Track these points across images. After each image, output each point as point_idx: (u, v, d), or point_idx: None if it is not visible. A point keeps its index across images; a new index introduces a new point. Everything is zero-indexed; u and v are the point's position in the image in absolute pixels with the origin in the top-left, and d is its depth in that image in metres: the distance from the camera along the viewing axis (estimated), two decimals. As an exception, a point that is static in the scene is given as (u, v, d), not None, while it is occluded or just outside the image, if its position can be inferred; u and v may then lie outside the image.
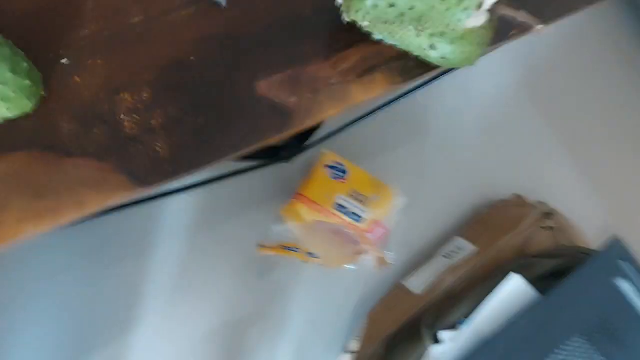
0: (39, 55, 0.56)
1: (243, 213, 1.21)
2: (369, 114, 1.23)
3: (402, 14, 0.53)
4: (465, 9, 0.51)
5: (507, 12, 0.57)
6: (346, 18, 0.56)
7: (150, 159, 0.56)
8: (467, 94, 1.43)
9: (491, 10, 0.55)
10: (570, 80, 1.53)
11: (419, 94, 1.29)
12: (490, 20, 0.55)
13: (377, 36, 0.59)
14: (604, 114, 1.55)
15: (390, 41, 0.59)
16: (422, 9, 0.51)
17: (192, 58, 0.59)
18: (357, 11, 0.54)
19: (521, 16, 0.57)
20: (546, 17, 0.67)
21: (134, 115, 0.57)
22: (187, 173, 0.57)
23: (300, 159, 1.21)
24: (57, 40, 0.57)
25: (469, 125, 1.42)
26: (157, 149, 0.57)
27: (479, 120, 1.43)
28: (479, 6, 0.52)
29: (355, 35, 0.61)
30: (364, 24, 0.56)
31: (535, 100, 1.48)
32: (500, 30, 0.64)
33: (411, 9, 0.52)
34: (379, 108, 1.23)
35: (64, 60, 0.56)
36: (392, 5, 0.52)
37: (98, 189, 0.55)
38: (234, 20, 0.60)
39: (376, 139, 1.32)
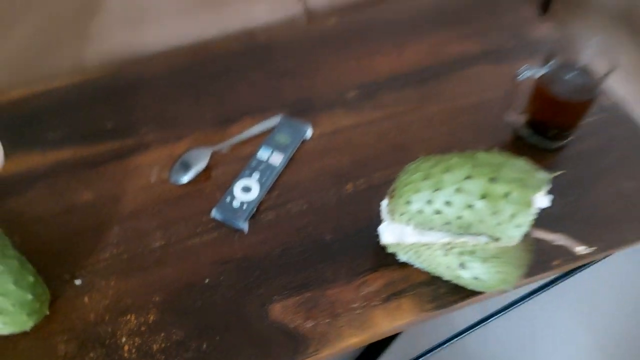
0: (54, 275, 0.56)
1: None
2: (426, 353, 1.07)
3: (447, 223, 0.50)
4: (518, 225, 0.48)
5: (543, 235, 0.52)
6: (388, 220, 0.53)
7: (141, 391, 0.50)
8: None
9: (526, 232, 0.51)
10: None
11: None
12: (525, 242, 0.51)
13: (402, 257, 0.55)
14: None
15: (416, 263, 0.55)
16: (469, 220, 0.48)
17: (206, 281, 0.56)
18: (401, 214, 0.51)
19: (559, 239, 0.52)
20: (595, 246, 0.61)
21: (136, 338, 0.52)
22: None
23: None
24: (76, 262, 0.57)
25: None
26: (152, 378, 0.50)
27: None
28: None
29: (380, 259, 0.58)
30: (408, 228, 0.52)
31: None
32: (538, 262, 0.59)
33: (459, 218, 0.49)
34: (441, 345, 1.08)
35: (77, 281, 0.56)
36: (437, 213, 0.49)
37: None
38: (253, 244, 0.59)
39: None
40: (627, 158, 0.67)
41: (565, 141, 0.68)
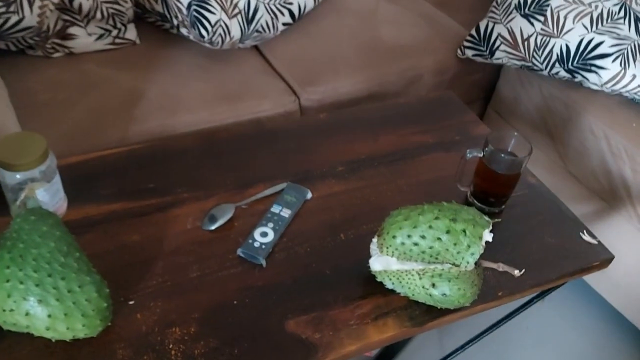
0: (112, 297, 0.69)
1: None
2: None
3: (422, 252, 0.67)
4: (472, 253, 0.66)
5: (490, 264, 0.71)
6: (378, 254, 0.71)
7: (188, 384, 0.62)
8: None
9: (476, 262, 0.70)
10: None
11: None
12: (477, 269, 0.70)
13: (388, 285, 0.72)
14: None
15: (398, 288, 0.72)
16: (438, 249, 0.67)
17: (234, 302, 0.71)
18: (387, 247, 0.69)
19: (500, 266, 0.71)
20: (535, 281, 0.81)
21: (180, 345, 0.66)
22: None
23: None
24: (128, 287, 0.71)
25: None
26: (196, 374, 0.63)
27: None
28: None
29: (369, 288, 0.75)
30: (392, 259, 0.70)
31: None
32: (488, 293, 0.77)
33: (430, 248, 0.67)
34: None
35: (131, 302, 0.69)
36: (415, 244, 0.67)
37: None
38: (270, 275, 0.75)
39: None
40: (549, 221, 0.89)
41: (501, 207, 0.89)
